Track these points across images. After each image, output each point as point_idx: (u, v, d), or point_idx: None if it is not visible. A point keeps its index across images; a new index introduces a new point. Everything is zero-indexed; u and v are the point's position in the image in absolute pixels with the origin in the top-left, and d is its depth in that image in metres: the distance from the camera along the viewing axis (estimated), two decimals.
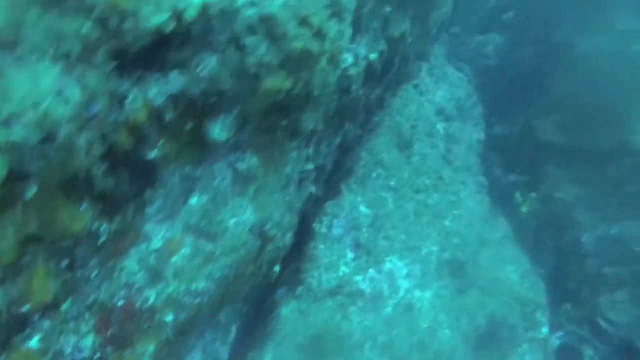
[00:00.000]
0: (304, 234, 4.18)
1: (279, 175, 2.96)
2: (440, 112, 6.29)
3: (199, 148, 1.95)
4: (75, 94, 1.24)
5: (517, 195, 5.87)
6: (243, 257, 2.36)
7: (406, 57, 5.59)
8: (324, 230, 4.04)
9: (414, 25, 5.25)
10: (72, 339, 1.75)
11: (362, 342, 3.46)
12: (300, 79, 2.35)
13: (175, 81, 1.61)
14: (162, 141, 1.69)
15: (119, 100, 1.44)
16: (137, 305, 1.84)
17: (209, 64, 1.70)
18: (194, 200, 2.07)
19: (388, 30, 4.28)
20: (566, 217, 5.10)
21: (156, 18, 1.39)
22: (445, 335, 3.89)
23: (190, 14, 1.50)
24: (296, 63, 2.19)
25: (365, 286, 3.83)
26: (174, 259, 1.94)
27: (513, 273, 4.78)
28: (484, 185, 5.89)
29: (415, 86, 6.40)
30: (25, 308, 1.52)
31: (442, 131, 6.13)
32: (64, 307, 1.70)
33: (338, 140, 4.92)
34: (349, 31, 3.25)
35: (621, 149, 4.50)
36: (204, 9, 1.56)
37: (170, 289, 1.93)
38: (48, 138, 1.20)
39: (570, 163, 5.18)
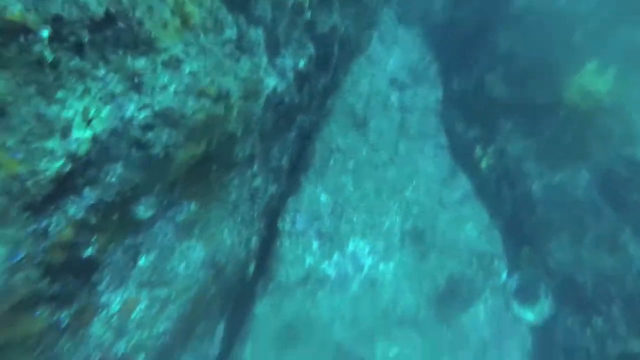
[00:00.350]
0: (273, 231, 4.61)
1: (224, 204, 3.35)
2: (393, 82, 6.37)
3: (132, 225, 2.35)
4: None
5: (477, 149, 6.17)
6: (197, 291, 2.82)
7: (346, 38, 5.67)
8: (287, 227, 4.46)
9: (346, 10, 5.31)
10: None
11: (330, 323, 4.00)
12: (214, 136, 2.67)
13: (90, 195, 1.98)
14: (94, 238, 2.09)
15: (42, 233, 1.83)
16: (112, 355, 2.34)
17: (115, 171, 2.05)
18: (142, 262, 2.50)
19: (315, 31, 4.43)
20: (517, 168, 5.45)
21: (53, 166, 1.73)
22: (408, 300, 4.41)
23: (83, 149, 1.84)
24: (203, 129, 2.50)
25: (330, 271, 4.31)
26: (134, 314, 2.42)
27: (472, 230, 5.20)
28: (443, 146, 6.14)
29: (368, 57, 6.47)
30: None
31: (396, 101, 6.25)
32: None
33: (292, 134, 5.20)
34: (264, 59, 3.49)
35: (555, 102, 4.74)
36: (95, 138, 1.89)
37: (135, 339, 2.43)
38: None
39: (517, 116, 5.45)
